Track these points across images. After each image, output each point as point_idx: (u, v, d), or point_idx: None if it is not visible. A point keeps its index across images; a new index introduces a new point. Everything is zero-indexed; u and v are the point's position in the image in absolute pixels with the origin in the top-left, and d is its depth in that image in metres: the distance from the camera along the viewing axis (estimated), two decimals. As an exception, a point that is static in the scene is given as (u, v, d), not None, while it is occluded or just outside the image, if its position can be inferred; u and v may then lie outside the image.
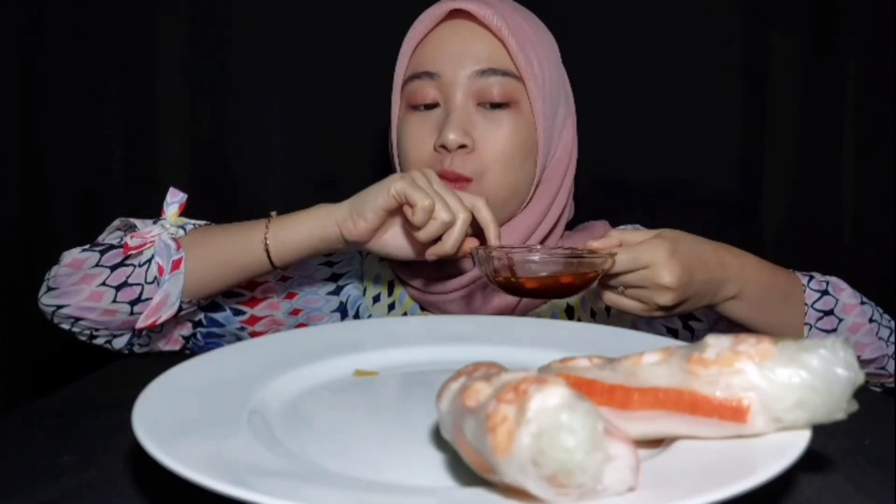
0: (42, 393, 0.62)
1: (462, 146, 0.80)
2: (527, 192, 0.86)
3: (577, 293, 0.72)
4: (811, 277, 0.82)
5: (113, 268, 0.74)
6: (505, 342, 0.62)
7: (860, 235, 1.22)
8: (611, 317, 0.86)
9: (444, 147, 0.80)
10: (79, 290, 0.74)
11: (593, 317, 0.89)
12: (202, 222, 0.81)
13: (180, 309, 0.76)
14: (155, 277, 0.74)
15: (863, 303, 0.82)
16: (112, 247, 0.76)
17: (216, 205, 1.13)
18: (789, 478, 0.40)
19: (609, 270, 0.69)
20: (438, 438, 0.44)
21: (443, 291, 0.86)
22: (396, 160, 0.88)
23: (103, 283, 0.74)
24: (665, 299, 0.70)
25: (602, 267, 0.69)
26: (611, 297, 0.73)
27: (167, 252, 0.75)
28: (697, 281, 0.71)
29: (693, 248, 0.72)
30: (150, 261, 0.74)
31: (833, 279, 0.82)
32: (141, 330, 0.76)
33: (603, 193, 1.19)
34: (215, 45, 1.18)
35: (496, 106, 0.83)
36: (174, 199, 0.80)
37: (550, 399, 0.31)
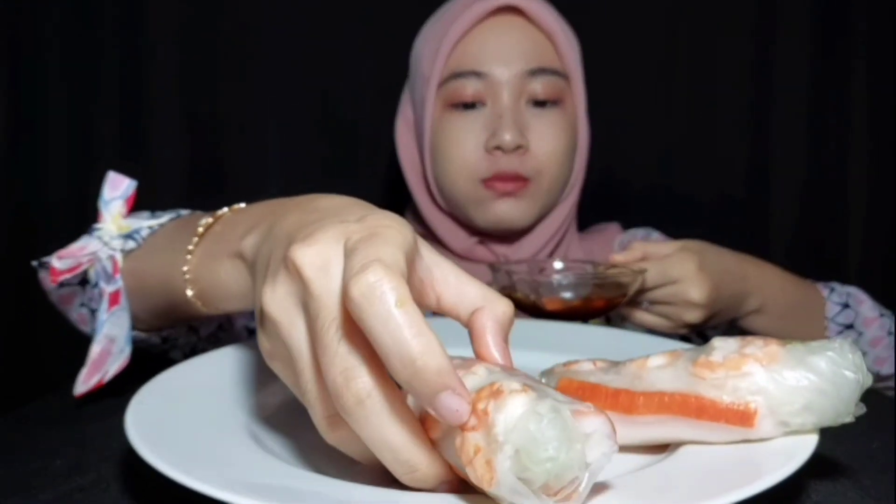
0: (35, 396, 0.62)
1: (518, 146, 0.79)
2: (567, 188, 0.87)
3: (604, 314, 0.69)
4: (832, 289, 0.81)
5: (81, 284, 0.58)
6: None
7: (869, 241, 1.22)
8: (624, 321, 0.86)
9: (498, 148, 0.79)
10: (65, 310, 0.61)
11: (608, 322, 0.88)
12: (166, 217, 0.57)
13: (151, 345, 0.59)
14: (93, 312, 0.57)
15: (882, 315, 0.81)
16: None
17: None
18: (796, 482, 0.39)
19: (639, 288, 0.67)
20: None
21: None
22: (429, 161, 0.86)
23: (82, 304, 0.60)
24: (693, 316, 0.69)
25: (631, 288, 0.66)
26: (635, 315, 0.72)
27: (106, 278, 0.54)
28: (725, 296, 0.70)
29: (718, 260, 0.71)
30: (97, 284, 0.55)
31: (853, 290, 0.81)
32: (80, 396, 0.53)
33: (609, 194, 1.18)
34: (210, 39, 1.18)
35: (543, 104, 0.82)
36: (114, 194, 0.56)
37: (512, 412, 0.29)
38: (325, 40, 1.18)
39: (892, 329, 0.81)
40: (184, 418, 0.42)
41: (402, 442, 0.30)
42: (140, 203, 0.67)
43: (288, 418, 0.46)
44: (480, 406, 0.30)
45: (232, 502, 0.31)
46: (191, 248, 0.48)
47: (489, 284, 0.83)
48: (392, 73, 0.93)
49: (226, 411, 0.44)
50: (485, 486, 0.30)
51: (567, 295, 0.65)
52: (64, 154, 1.16)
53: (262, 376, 0.51)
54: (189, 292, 0.48)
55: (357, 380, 0.29)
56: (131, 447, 0.36)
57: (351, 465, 0.39)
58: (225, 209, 0.50)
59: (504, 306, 0.35)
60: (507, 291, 0.68)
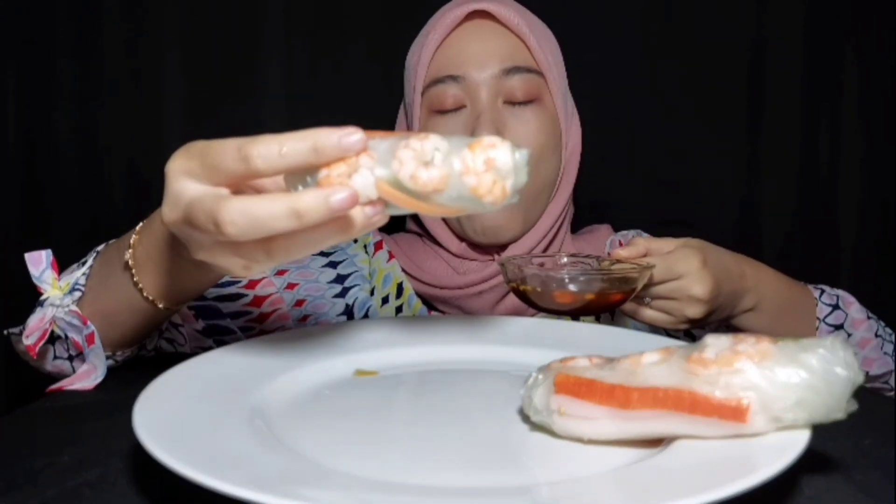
0: (42, 392, 0.62)
1: None
2: (554, 186, 0.87)
3: (611, 309, 0.68)
4: (822, 291, 0.81)
5: (51, 341, 0.65)
6: (505, 342, 0.61)
7: (860, 248, 1.22)
8: (615, 318, 0.86)
9: None
10: (39, 365, 0.67)
11: (597, 319, 0.89)
12: (90, 259, 0.66)
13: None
14: (77, 353, 0.65)
15: (868, 317, 0.82)
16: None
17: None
18: (789, 477, 0.40)
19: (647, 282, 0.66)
20: (438, 437, 0.44)
21: (458, 286, 0.86)
22: None
23: (55, 357, 0.67)
24: (695, 311, 0.69)
25: (639, 282, 0.65)
26: (636, 310, 0.72)
27: (76, 331, 0.63)
28: (724, 293, 0.70)
29: (719, 258, 0.71)
30: (65, 337, 0.64)
31: (842, 293, 0.82)
32: (49, 393, 0.62)
33: (603, 198, 1.19)
34: (213, 47, 1.18)
35: (521, 103, 0.83)
36: (40, 268, 0.64)
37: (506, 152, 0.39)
38: (329, 47, 1.19)
39: (878, 331, 0.82)
40: (191, 414, 0.43)
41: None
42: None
43: (293, 413, 0.47)
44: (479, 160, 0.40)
45: (239, 496, 0.32)
46: (131, 263, 0.59)
47: (494, 276, 0.84)
48: (398, 82, 0.94)
49: (232, 407, 0.45)
50: (487, 199, 0.39)
51: (578, 289, 0.65)
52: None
53: (266, 372, 0.52)
54: (149, 297, 0.59)
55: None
56: (138, 443, 0.37)
57: (356, 458, 0.40)
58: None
59: None
60: (517, 285, 0.68)
